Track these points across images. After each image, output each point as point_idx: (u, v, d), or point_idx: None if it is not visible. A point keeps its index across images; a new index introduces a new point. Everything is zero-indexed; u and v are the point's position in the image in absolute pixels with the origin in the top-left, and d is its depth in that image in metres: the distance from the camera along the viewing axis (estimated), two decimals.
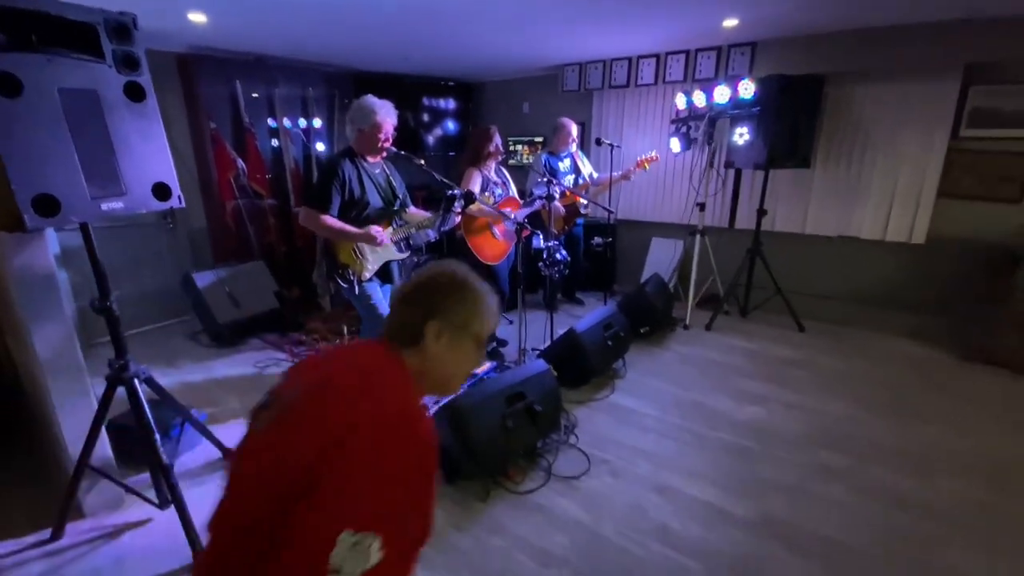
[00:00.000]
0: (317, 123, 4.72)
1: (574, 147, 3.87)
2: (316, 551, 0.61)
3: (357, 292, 2.47)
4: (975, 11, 2.97)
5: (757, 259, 4.03)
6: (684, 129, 4.03)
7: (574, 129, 3.79)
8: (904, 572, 1.71)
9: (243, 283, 3.91)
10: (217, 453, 2.38)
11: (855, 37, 3.49)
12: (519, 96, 5.49)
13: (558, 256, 3.09)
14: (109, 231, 3.85)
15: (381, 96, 2.48)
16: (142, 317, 4.05)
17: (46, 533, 1.90)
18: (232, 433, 2.55)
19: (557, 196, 3.13)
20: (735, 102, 3.67)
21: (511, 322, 4.01)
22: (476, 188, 3.05)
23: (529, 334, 3.49)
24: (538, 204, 3.20)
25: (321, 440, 0.67)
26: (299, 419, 0.72)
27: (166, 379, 3.13)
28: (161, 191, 1.67)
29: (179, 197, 1.71)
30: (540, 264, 3.12)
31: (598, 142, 3.86)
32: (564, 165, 3.82)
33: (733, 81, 3.66)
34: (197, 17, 3.05)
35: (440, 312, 0.91)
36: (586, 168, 3.95)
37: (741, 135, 3.78)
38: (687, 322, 4.02)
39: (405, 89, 5.08)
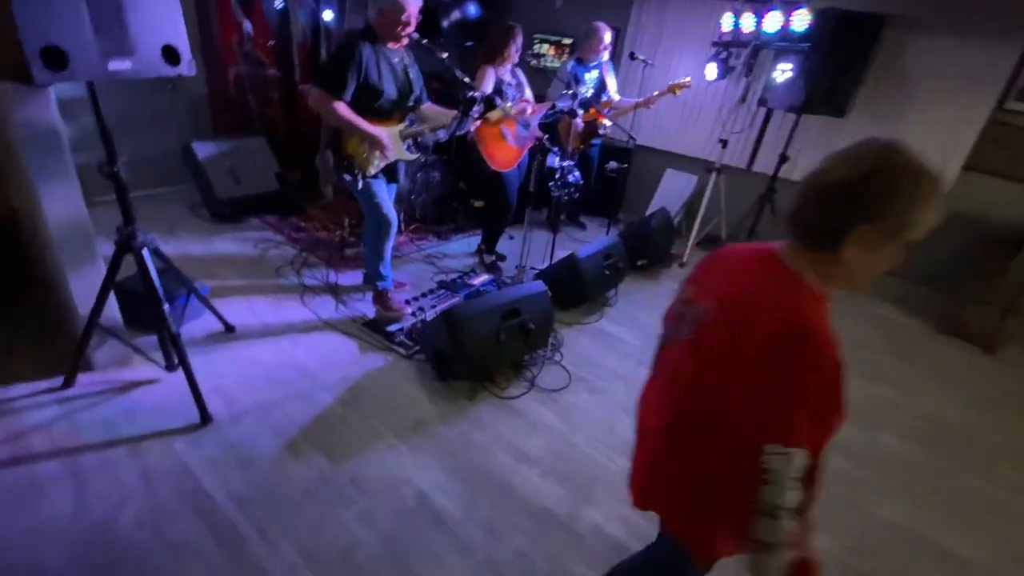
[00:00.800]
0: None
1: (605, 57, 3.61)
2: (751, 456, 0.73)
3: (360, 187, 2.43)
4: None
5: (767, 205, 3.99)
6: (724, 55, 3.76)
7: (607, 36, 3.48)
8: (839, 513, 1.90)
9: (244, 159, 3.80)
10: (219, 325, 2.49)
11: None
12: None
13: (571, 178, 3.02)
14: (105, 87, 3.62)
15: None
16: (139, 181, 3.95)
17: (58, 381, 2.02)
18: (233, 308, 2.64)
19: (580, 113, 2.98)
20: (784, 33, 3.40)
21: (512, 238, 4.03)
22: (489, 87, 2.90)
23: (530, 252, 3.52)
24: (558, 114, 3.06)
25: (737, 367, 0.76)
26: (714, 347, 0.81)
27: (167, 248, 3.14)
28: (171, 54, 1.57)
29: (190, 63, 1.61)
30: (551, 184, 3.06)
31: (632, 56, 3.60)
32: (591, 76, 3.60)
33: (789, 8, 3.36)
34: None
35: (879, 216, 0.72)
36: (612, 84, 3.73)
37: (783, 72, 3.55)
38: (685, 259, 4.06)
39: None
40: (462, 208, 4.19)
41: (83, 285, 1.95)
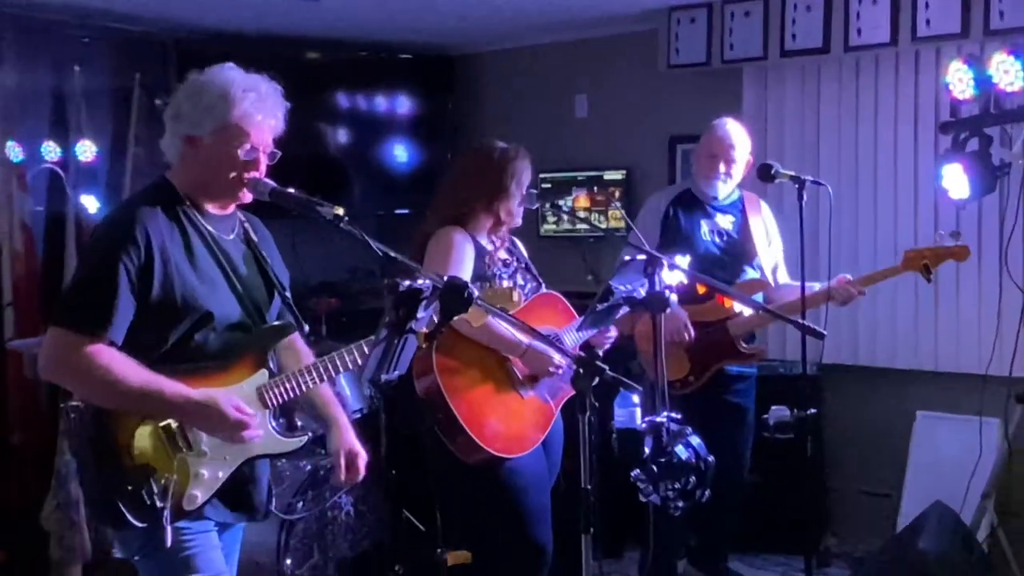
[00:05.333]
0: (87, 151, 4.95)
1: (730, 189, 4.09)
2: None
3: (162, 546, 2.35)
4: None
5: None
6: (974, 145, 4.14)
7: (742, 142, 4.00)
8: None
9: None
10: None
11: None
12: (564, 81, 5.81)
13: (682, 453, 3.00)
14: None
15: None
16: None
17: None
18: None
19: (673, 293, 3.12)
20: None
21: None
22: (465, 271, 3.13)
23: None
24: (616, 306, 3.21)
25: None
26: None
27: None
28: None
29: None
30: (635, 476, 3.02)
31: (766, 174, 3.94)
32: (717, 225, 4.11)
33: None
34: None
35: None
36: (770, 252, 4.16)
37: None
38: None
39: (301, 70, 5.39)
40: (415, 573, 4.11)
41: None
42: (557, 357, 3.08)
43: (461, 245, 3.18)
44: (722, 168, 4.00)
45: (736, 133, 4.02)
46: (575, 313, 3.46)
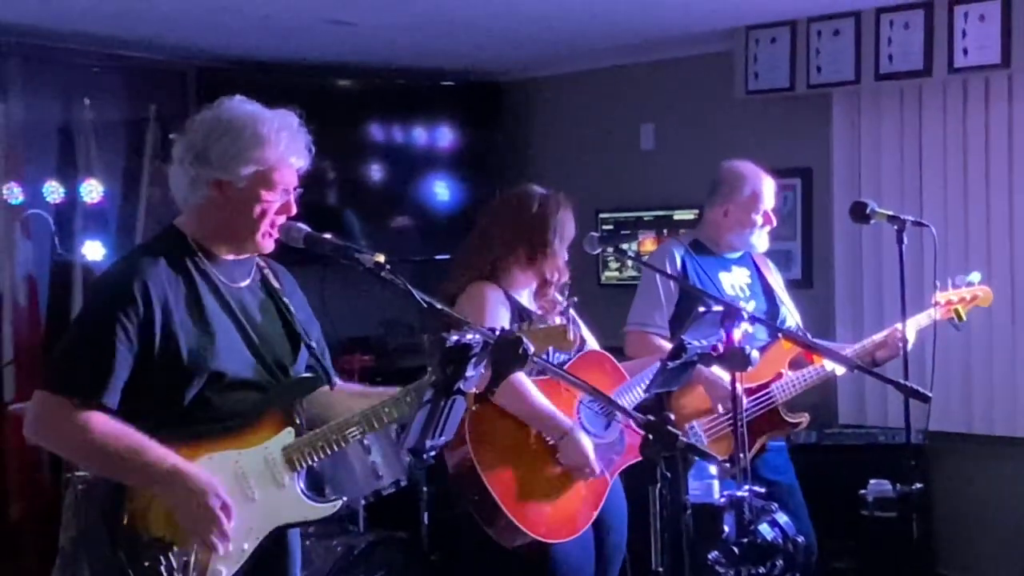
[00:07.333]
0: (94, 191, 5.05)
1: (762, 242, 4.15)
2: None
3: None
4: None
5: None
6: None
7: (769, 190, 4.05)
8: None
9: None
10: None
11: None
12: (627, 109, 5.87)
13: (767, 532, 3.01)
14: None
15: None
16: None
17: None
18: None
19: (755, 356, 3.12)
20: None
21: None
22: (499, 321, 3.18)
23: None
24: (690, 371, 3.20)
25: None
26: None
27: None
28: None
29: None
30: (713, 558, 3.02)
31: (860, 214, 3.93)
32: (736, 279, 4.14)
33: None
34: None
35: None
36: (790, 308, 4.27)
37: None
38: None
39: (332, 100, 5.52)
40: None
41: None
42: (594, 462, 3.16)
43: (495, 301, 3.26)
44: (765, 222, 4.04)
45: (771, 182, 4.09)
46: (626, 374, 3.50)
